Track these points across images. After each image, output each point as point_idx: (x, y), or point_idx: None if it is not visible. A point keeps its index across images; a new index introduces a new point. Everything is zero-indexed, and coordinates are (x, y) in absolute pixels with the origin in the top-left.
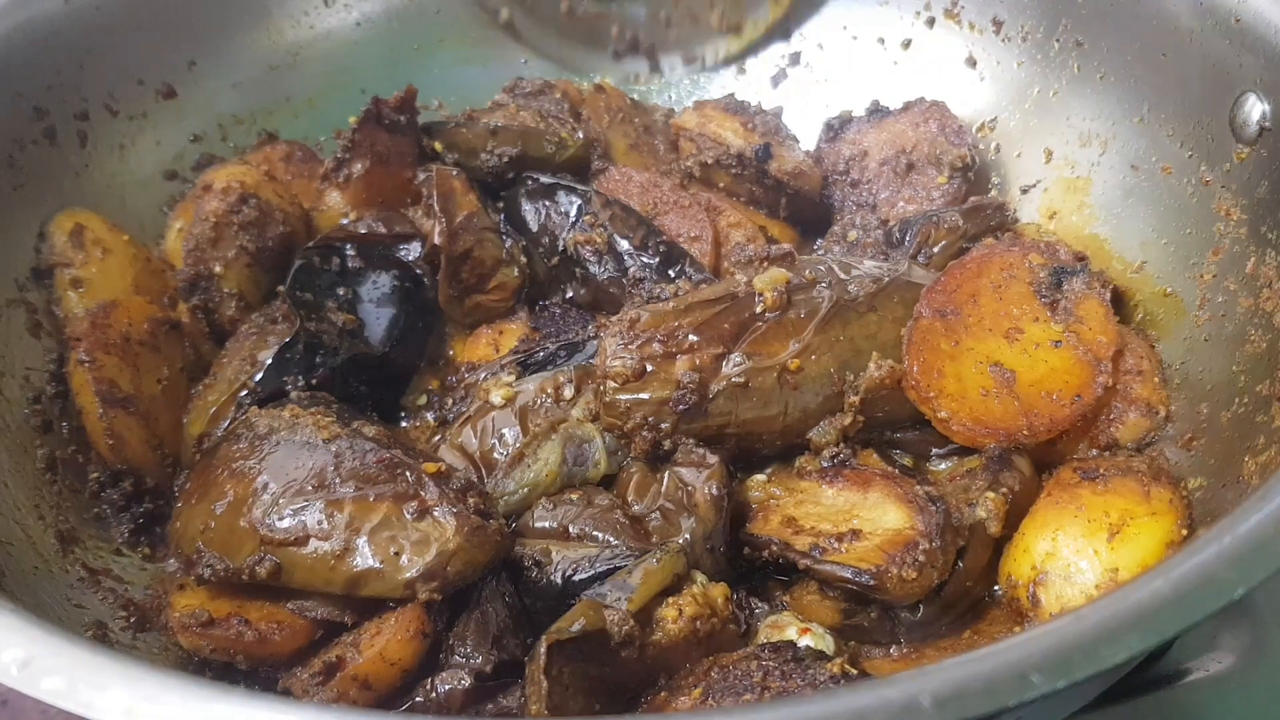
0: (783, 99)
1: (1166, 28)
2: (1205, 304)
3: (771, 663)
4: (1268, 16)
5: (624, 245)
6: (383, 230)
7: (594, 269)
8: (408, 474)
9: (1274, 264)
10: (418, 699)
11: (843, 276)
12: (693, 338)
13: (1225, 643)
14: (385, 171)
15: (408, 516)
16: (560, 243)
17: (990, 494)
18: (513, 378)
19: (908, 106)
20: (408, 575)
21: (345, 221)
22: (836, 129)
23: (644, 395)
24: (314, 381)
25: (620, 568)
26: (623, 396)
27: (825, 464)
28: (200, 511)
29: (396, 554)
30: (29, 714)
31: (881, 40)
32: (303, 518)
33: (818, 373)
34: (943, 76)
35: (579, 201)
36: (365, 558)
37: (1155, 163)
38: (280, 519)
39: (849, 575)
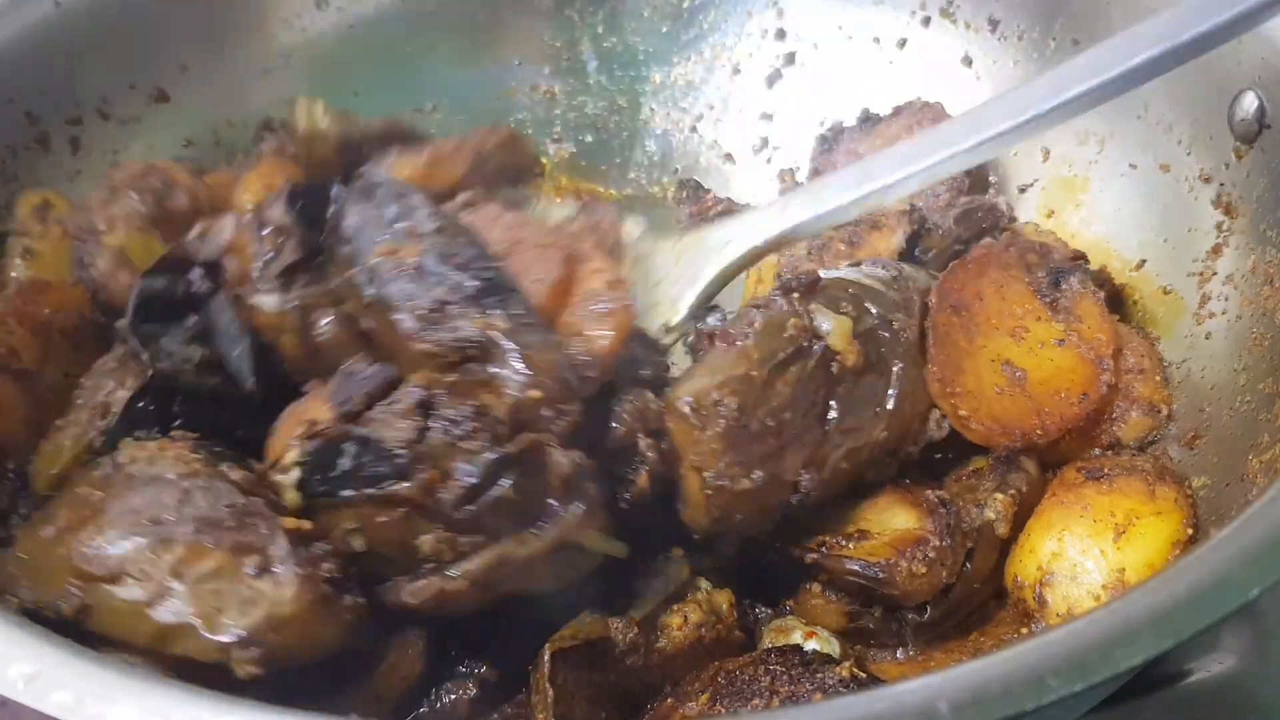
0: (778, 99)
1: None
2: (1205, 302)
3: (779, 667)
4: None
5: (432, 264)
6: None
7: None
8: (261, 526)
9: (1274, 261)
10: (423, 710)
11: (885, 299)
12: (787, 415)
13: (1227, 644)
14: None
15: (245, 571)
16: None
17: (998, 495)
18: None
19: (898, 111)
20: (222, 638)
21: (189, 238)
22: (830, 141)
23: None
24: (172, 431)
25: None
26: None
27: None
28: (27, 536)
29: (218, 609)
30: (28, 714)
31: (877, 40)
32: (123, 553)
33: (898, 433)
34: (939, 76)
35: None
36: (180, 609)
37: (1153, 161)
38: (98, 551)
39: (858, 568)
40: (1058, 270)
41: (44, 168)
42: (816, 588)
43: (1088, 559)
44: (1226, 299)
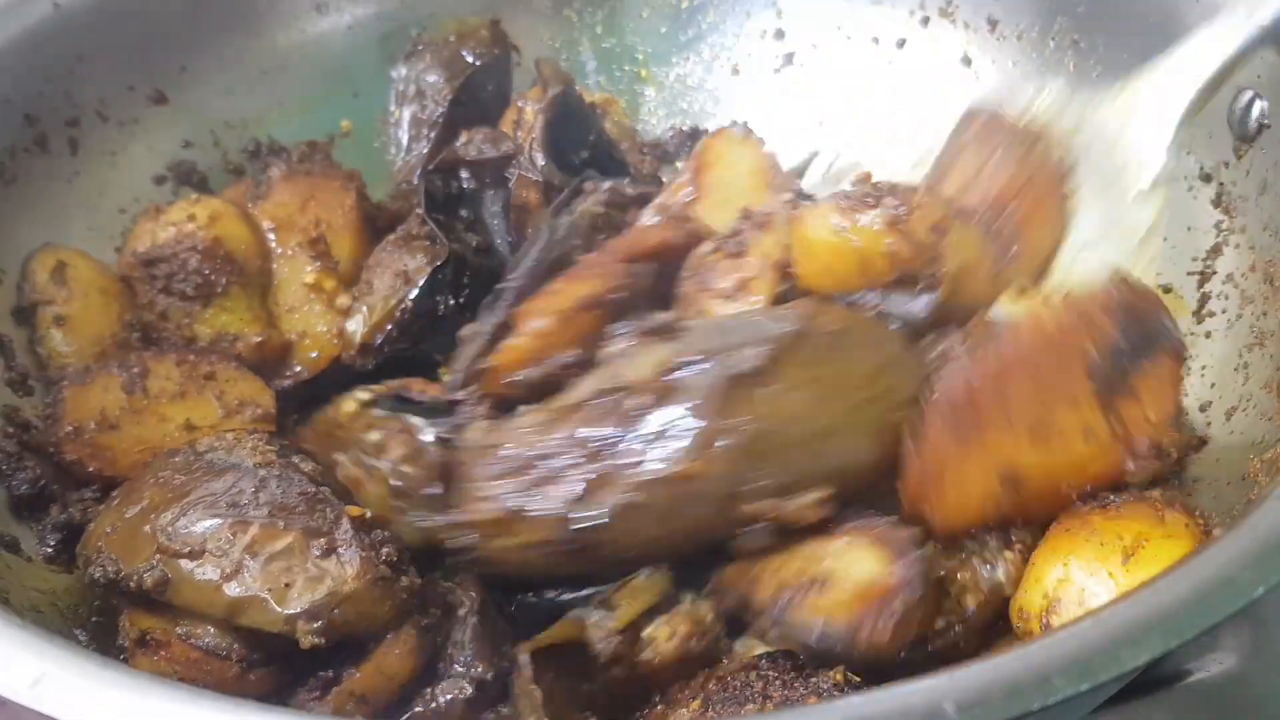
0: (777, 99)
1: (1164, 25)
2: (1205, 301)
3: (772, 672)
4: None
5: None
6: (491, 153)
7: None
8: (327, 511)
9: (1274, 260)
10: (417, 709)
11: (724, 341)
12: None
13: (1227, 644)
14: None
15: (312, 552)
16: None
17: (1007, 553)
18: None
19: None
20: (290, 610)
21: (459, 143)
22: None
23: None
24: (462, 300)
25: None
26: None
27: None
28: (113, 514)
29: (287, 585)
30: (28, 715)
31: (876, 40)
32: (204, 532)
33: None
34: (938, 76)
35: None
36: (252, 584)
37: None
38: (183, 529)
39: (811, 642)
40: (1135, 344)
41: (42, 169)
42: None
43: (1096, 582)
44: (1226, 298)
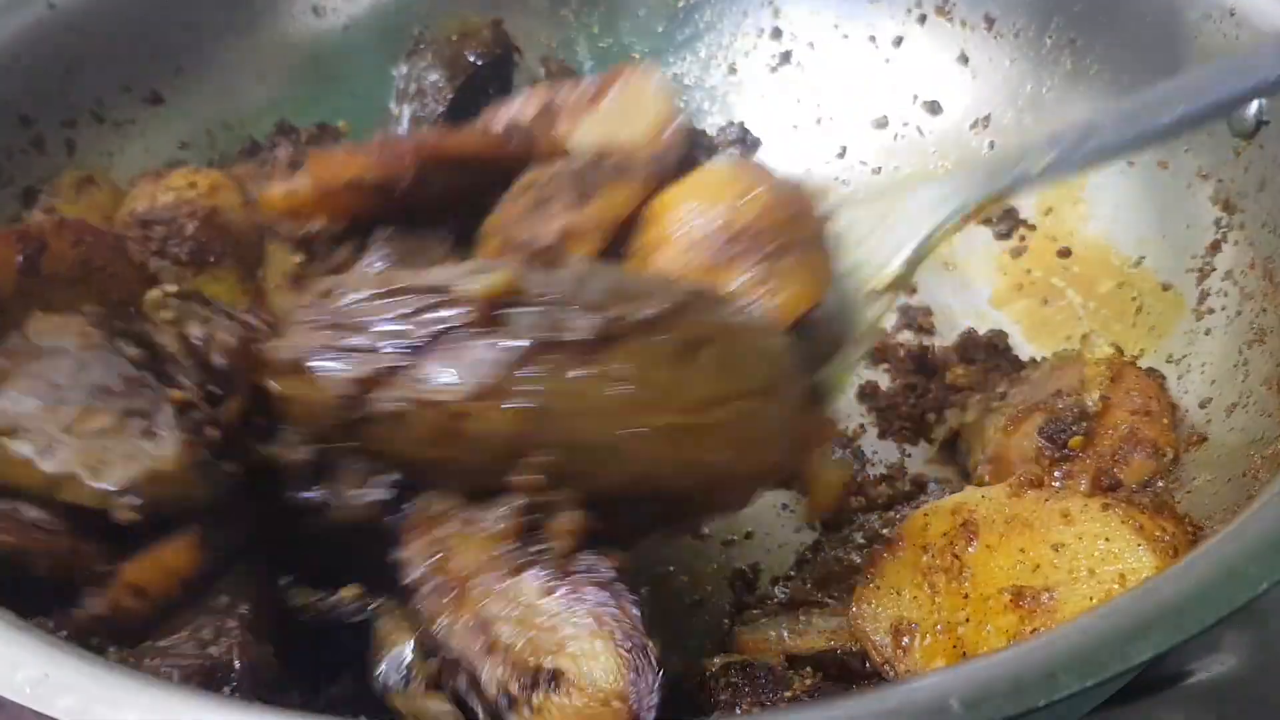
0: (773, 97)
1: (1161, 22)
2: (1205, 298)
3: (739, 680)
4: (1263, 9)
5: None
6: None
7: None
8: (148, 393)
9: (1273, 257)
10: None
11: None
12: (362, 340)
13: (1229, 643)
14: None
15: (131, 431)
16: None
17: None
18: None
19: None
20: (104, 485)
21: None
22: None
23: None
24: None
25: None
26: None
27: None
28: None
29: (102, 463)
30: (28, 715)
31: (873, 38)
32: (20, 410)
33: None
34: (935, 74)
35: None
36: (68, 460)
37: (1151, 158)
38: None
39: None
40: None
41: (39, 170)
42: None
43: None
44: (1226, 295)
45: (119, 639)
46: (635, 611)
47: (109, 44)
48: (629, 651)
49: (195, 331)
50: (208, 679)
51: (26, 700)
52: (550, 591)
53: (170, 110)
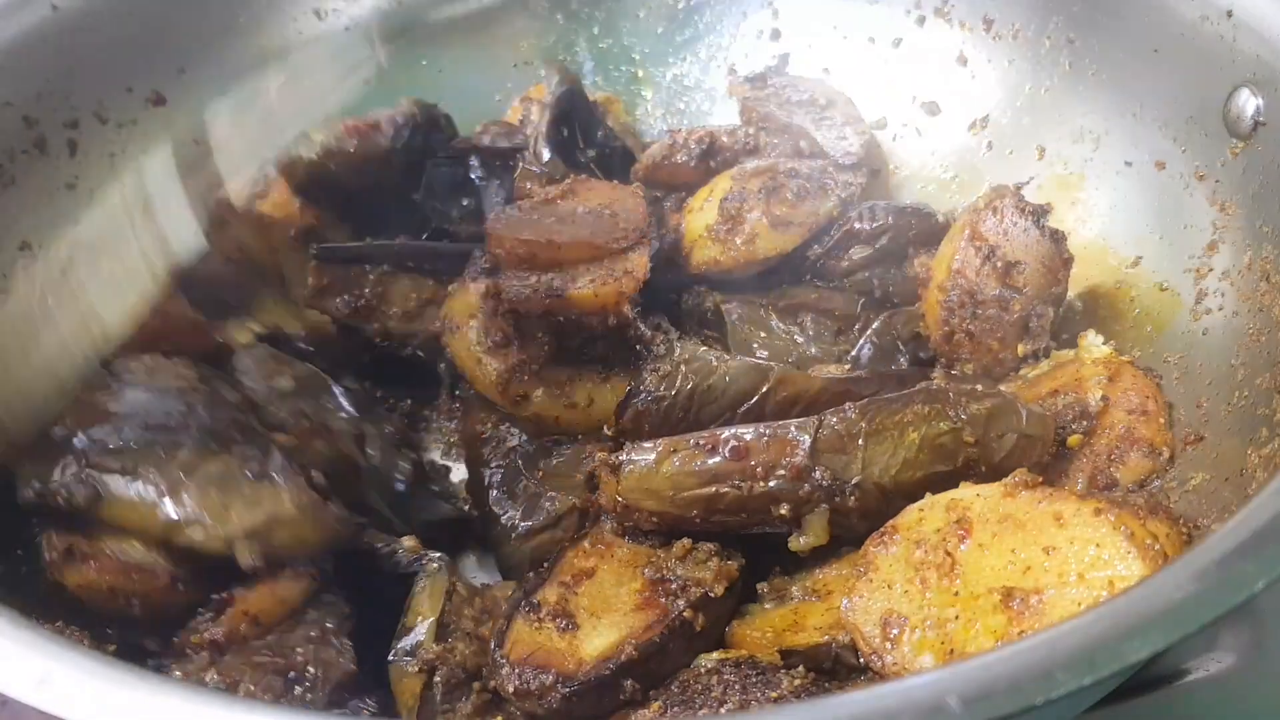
0: None
1: (1159, 23)
2: (1202, 298)
3: (731, 677)
4: (1261, 10)
5: None
6: (504, 143)
7: None
8: (257, 438)
9: (1270, 257)
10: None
11: None
12: None
13: (1225, 642)
14: None
15: (246, 475)
16: None
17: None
18: None
19: None
20: (230, 531)
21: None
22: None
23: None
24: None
25: None
26: None
27: None
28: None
29: (225, 508)
30: (30, 714)
31: (872, 39)
32: (136, 450)
33: None
34: (933, 75)
35: None
36: (189, 505)
37: (1148, 158)
38: (111, 446)
39: None
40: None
41: (42, 171)
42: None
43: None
44: (1223, 295)
45: (222, 653)
46: None
47: (111, 45)
48: None
49: (285, 380)
50: (286, 682)
51: (31, 699)
52: None
53: (172, 111)
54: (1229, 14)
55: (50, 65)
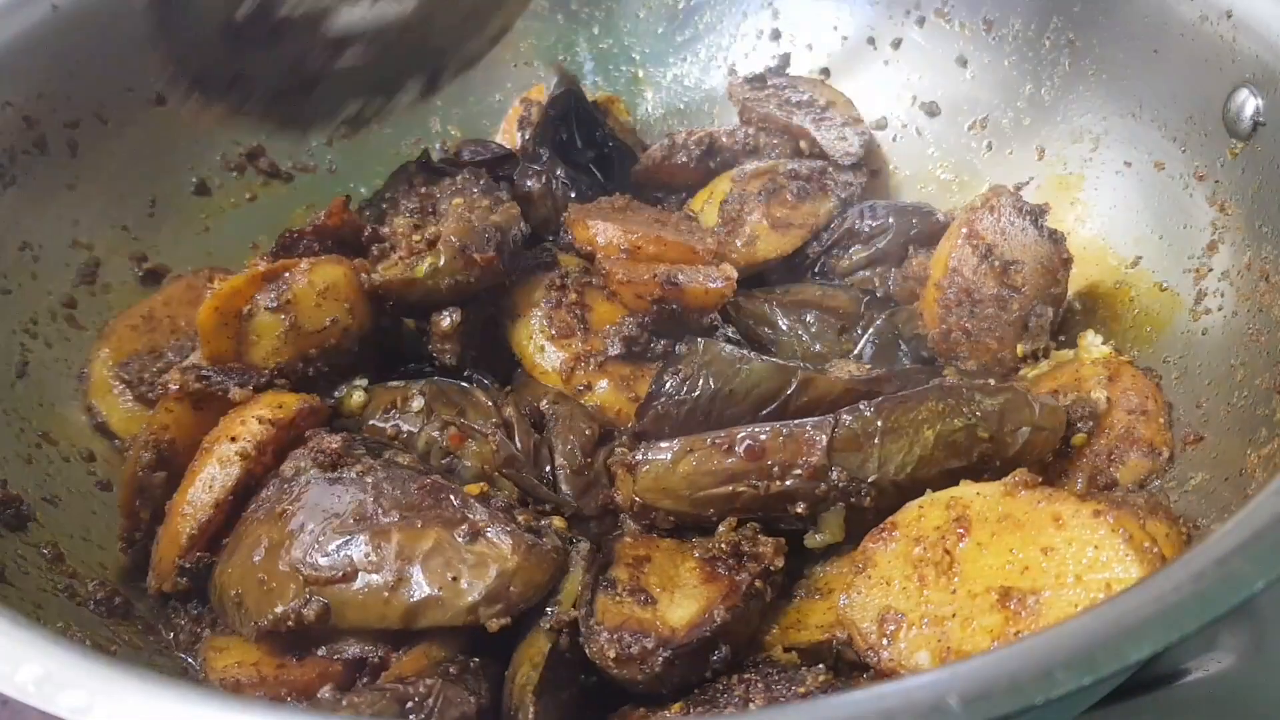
0: None
1: (1159, 24)
2: (1202, 298)
3: (754, 676)
4: (1261, 10)
5: None
6: (484, 155)
7: None
8: (452, 498)
9: (1269, 257)
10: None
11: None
12: None
13: (1225, 642)
14: None
15: (460, 540)
16: None
17: None
18: None
19: None
20: (470, 600)
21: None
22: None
23: None
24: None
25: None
26: None
27: None
28: (237, 562)
29: (454, 579)
30: (31, 714)
31: (871, 40)
32: (348, 552)
33: None
34: (933, 76)
35: None
36: (421, 586)
37: (1148, 159)
38: (323, 556)
39: None
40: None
41: (42, 171)
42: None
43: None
44: (1223, 295)
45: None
46: None
47: (112, 45)
48: None
49: (435, 432)
50: (401, 710)
51: (29, 698)
52: None
53: (172, 111)
54: (1229, 14)
55: (50, 65)
